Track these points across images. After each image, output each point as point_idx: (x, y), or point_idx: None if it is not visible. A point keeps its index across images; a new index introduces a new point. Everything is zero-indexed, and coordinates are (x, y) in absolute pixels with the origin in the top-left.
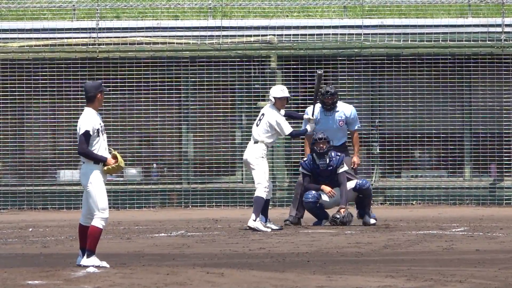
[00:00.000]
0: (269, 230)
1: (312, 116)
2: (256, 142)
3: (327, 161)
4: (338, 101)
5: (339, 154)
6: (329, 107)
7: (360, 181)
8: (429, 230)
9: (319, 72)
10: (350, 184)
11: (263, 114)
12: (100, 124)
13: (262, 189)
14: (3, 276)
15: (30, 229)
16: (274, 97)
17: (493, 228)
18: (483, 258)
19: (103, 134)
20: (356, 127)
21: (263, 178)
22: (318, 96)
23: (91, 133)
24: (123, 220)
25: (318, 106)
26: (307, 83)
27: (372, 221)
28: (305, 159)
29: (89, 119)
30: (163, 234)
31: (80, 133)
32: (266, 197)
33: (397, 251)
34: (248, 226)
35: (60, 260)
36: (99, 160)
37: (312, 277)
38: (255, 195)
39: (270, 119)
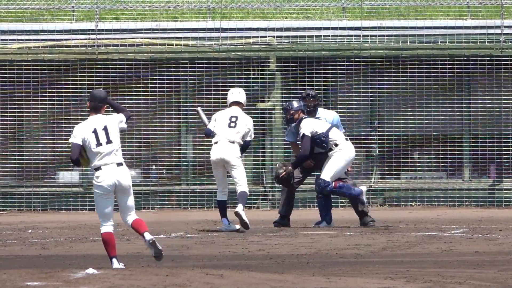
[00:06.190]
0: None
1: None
2: (232, 142)
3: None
4: (320, 108)
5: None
6: (310, 109)
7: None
8: (428, 232)
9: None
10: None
11: (236, 117)
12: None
13: (246, 185)
14: (3, 278)
15: (30, 231)
16: (242, 102)
17: (492, 230)
18: (482, 259)
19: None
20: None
21: (244, 177)
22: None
23: (78, 142)
24: (122, 221)
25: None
26: (306, 84)
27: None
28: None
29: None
30: (162, 236)
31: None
32: (223, 198)
33: (397, 253)
34: (237, 212)
35: (59, 261)
36: (77, 161)
37: (311, 278)
38: (243, 190)
39: (248, 123)
